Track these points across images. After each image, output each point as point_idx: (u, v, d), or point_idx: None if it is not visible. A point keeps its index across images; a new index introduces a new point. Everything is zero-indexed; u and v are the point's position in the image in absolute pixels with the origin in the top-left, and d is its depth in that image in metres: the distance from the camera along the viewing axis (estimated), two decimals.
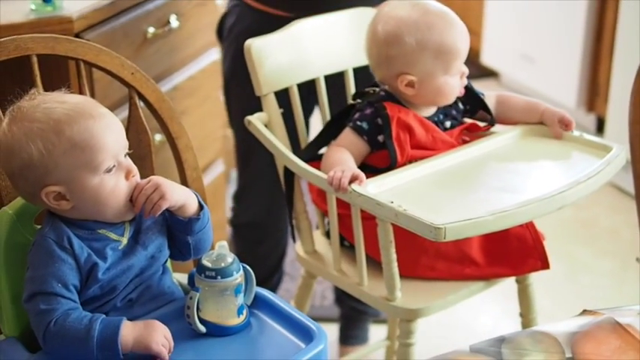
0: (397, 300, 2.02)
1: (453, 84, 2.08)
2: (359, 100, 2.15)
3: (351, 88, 2.29)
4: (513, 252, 2.09)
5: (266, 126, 2.16)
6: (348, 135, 2.09)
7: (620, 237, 3.66)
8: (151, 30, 2.42)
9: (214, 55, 2.84)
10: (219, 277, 1.63)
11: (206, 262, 1.64)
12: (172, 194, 1.64)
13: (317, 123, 2.34)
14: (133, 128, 1.90)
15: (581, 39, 4.23)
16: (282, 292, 3.04)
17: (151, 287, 1.70)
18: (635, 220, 2.15)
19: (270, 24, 2.26)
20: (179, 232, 1.71)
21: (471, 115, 2.21)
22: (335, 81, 2.30)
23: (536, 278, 2.26)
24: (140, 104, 1.92)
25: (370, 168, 2.04)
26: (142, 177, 1.66)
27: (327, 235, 2.24)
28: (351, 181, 1.91)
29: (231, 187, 3.68)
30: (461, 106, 2.19)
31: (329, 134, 2.17)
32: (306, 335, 1.65)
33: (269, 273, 2.82)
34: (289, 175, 2.16)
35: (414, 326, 2.04)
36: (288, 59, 2.19)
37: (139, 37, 2.39)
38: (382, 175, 1.97)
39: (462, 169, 2.02)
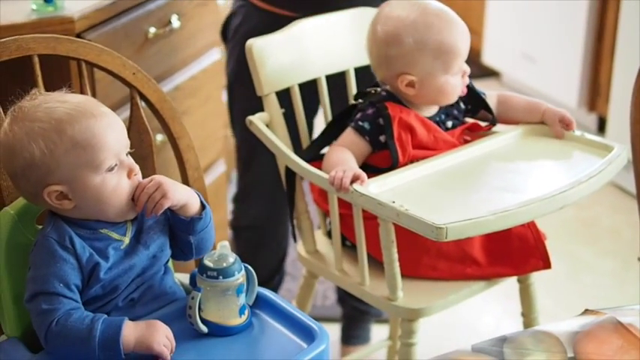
0: (399, 300, 2.03)
1: (454, 83, 2.08)
2: (361, 100, 2.15)
3: (353, 88, 2.29)
4: (515, 252, 2.09)
5: (267, 126, 2.16)
6: (349, 135, 2.09)
7: (622, 236, 3.66)
8: (153, 30, 2.42)
9: (216, 55, 2.84)
10: (220, 277, 1.63)
11: (208, 262, 1.64)
12: (174, 193, 1.64)
13: (321, 123, 2.34)
14: (135, 128, 1.90)
15: (582, 39, 4.23)
16: (283, 292, 3.04)
17: (153, 287, 1.70)
18: (636, 219, 2.15)
19: (277, 24, 2.25)
20: (181, 232, 1.71)
21: (472, 114, 2.21)
22: (337, 81, 2.30)
23: (537, 278, 2.26)
24: (141, 104, 1.92)
25: (372, 168, 2.04)
26: (144, 177, 1.66)
27: (329, 234, 2.24)
28: (352, 181, 1.91)
29: (233, 188, 3.68)
30: (462, 105, 2.19)
31: (330, 134, 2.17)
32: (308, 335, 1.65)
33: (270, 275, 2.82)
34: (291, 175, 2.16)
35: (416, 326, 2.04)
36: (289, 59, 2.19)
37: (141, 37, 2.39)
38: (384, 174, 1.97)
39: (463, 169, 2.02)
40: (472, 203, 1.87)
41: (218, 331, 1.66)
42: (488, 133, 2.19)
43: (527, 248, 2.09)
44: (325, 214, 2.23)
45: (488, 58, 5.03)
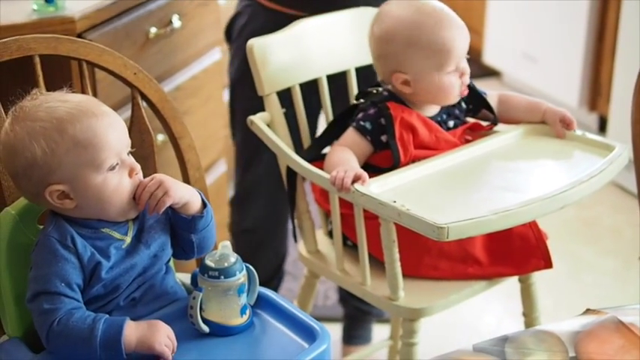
0: (400, 299, 2.02)
1: (449, 83, 2.08)
2: (362, 100, 2.15)
3: (354, 87, 2.29)
4: (516, 251, 2.09)
5: (268, 126, 2.16)
6: (351, 135, 2.09)
7: (623, 236, 3.66)
8: (153, 30, 2.42)
9: (217, 55, 2.84)
10: (222, 277, 1.63)
11: (209, 262, 1.64)
12: (176, 191, 1.64)
13: (323, 123, 2.34)
14: (136, 128, 1.90)
15: (583, 38, 4.23)
16: (284, 291, 3.04)
17: (154, 287, 1.70)
18: (637, 219, 2.15)
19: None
20: (183, 231, 1.71)
21: (473, 114, 2.21)
22: (339, 81, 2.30)
23: (539, 277, 2.26)
24: (143, 104, 1.92)
25: (373, 168, 2.04)
26: (145, 177, 1.66)
27: (330, 234, 2.24)
28: (353, 181, 1.91)
29: (233, 188, 3.69)
30: (464, 105, 2.19)
31: (332, 134, 2.17)
32: (310, 335, 1.65)
33: (269, 278, 2.81)
34: (292, 174, 2.16)
35: (417, 326, 2.04)
36: (290, 59, 2.19)
37: (142, 37, 2.39)
38: (385, 174, 1.97)
39: (464, 169, 2.02)
40: (473, 203, 1.87)
41: (219, 331, 1.66)
42: (489, 132, 2.19)
43: (529, 248, 2.09)
44: (326, 213, 2.22)
45: (489, 58, 5.03)
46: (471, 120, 2.21)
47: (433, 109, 2.14)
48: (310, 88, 2.27)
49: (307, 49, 2.22)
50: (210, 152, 2.85)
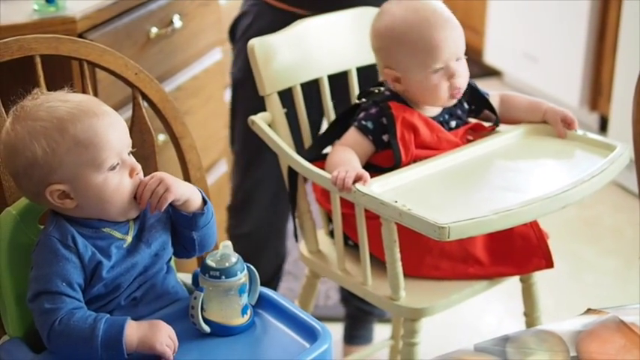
0: (401, 299, 2.02)
1: (435, 83, 2.07)
2: (364, 100, 2.16)
3: (355, 87, 2.29)
4: (517, 251, 2.09)
5: (270, 126, 2.16)
6: (352, 134, 2.10)
7: (624, 236, 3.66)
8: (154, 30, 2.42)
9: (217, 55, 2.84)
10: (223, 277, 1.63)
11: (210, 262, 1.64)
12: (177, 187, 1.64)
13: (326, 123, 2.34)
14: (137, 128, 1.90)
15: (584, 38, 4.23)
16: (285, 291, 3.04)
17: (155, 286, 1.70)
18: (638, 218, 2.15)
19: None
20: (184, 228, 1.71)
21: (475, 115, 2.21)
22: (342, 82, 2.30)
23: (540, 277, 2.26)
24: (144, 104, 1.92)
25: (375, 167, 2.04)
26: (145, 177, 1.66)
27: (331, 234, 2.24)
28: (355, 181, 1.91)
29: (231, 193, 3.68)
30: (466, 106, 2.19)
31: (333, 134, 2.18)
32: (311, 335, 1.65)
33: (269, 279, 2.80)
34: (293, 174, 2.16)
35: (418, 325, 2.04)
36: (291, 59, 2.19)
37: (142, 37, 2.39)
38: (386, 174, 1.97)
39: (465, 169, 2.02)
40: (474, 203, 1.87)
41: (220, 330, 1.66)
42: (490, 132, 2.19)
43: (530, 247, 2.09)
44: (327, 213, 2.22)
45: (490, 58, 5.03)
46: (473, 121, 2.21)
47: (435, 109, 2.14)
48: (317, 89, 2.27)
49: (308, 48, 2.22)
50: (212, 152, 2.85)
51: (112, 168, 1.60)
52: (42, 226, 1.68)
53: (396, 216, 1.84)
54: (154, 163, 1.93)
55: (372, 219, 1.99)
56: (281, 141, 2.12)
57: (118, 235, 1.64)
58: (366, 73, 2.27)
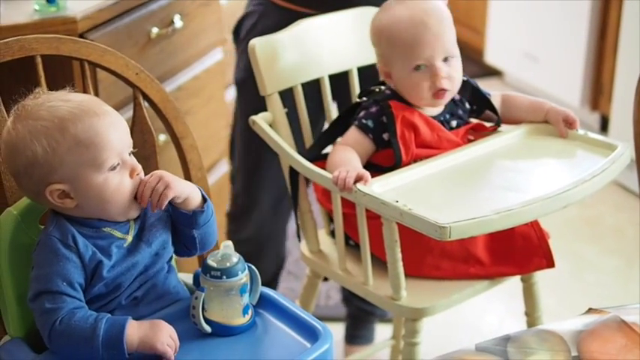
0: (402, 299, 2.02)
1: (415, 81, 2.08)
2: (365, 99, 2.16)
3: (356, 87, 2.29)
4: (518, 251, 2.09)
5: (270, 126, 2.16)
6: (353, 133, 2.10)
7: (625, 235, 3.66)
8: (155, 30, 2.42)
9: (219, 54, 2.84)
10: (224, 277, 1.63)
11: (211, 262, 1.64)
12: (177, 184, 1.64)
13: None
14: (138, 128, 1.90)
15: (584, 38, 4.23)
16: (286, 291, 3.04)
17: (157, 286, 1.70)
18: (639, 218, 2.15)
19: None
20: (184, 227, 1.71)
21: (477, 115, 2.21)
22: (341, 81, 2.30)
23: (541, 277, 2.26)
24: (144, 104, 1.92)
25: (375, 167, 2.04)
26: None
27: (332, 234, 2.24)
28: (356, 181, 1.91)
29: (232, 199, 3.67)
30: (467, 106, 2.19)
31: (334, 133, 2.18)
32: (312, 335, 1.65)
33: (269, 281, 2.80)
34: (294, 174, 2.16)
35: (420, 325, 2.04)
36: (292, 59, 2.19)
37: (143, 37, 2.39)
38: (387, 174, 1.97)
39: (466, 168, 2.02)
40: (475, 202, 1.87)
41: (221, 330, 1.66)
42: (491, 132, 2.19)
43: (531, 247, 2.09)
44: (329, 213, 2.22)
45: (491, 58, 5.03)
46: (474, 121, 2.21)
47: (436, 109, 2.14)
48: (317, 88, 2.27)
49: (309, 48, 2.22)
50: (212, 152, 2.85)
51: (113, 168, 1.60)
52: (43, 226, 1.68)
53: (397, 216, 1.84)
54: (154, 163, 1.93)
55: (373, 219, 1.99)
56: (282, 141, 2.12)
57: (118, 234, 1.64)
58: (368, 73, 2.27)
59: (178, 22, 2.51)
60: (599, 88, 4.26)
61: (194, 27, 2.64)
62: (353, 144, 2.08)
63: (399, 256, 1.96)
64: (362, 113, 2.11)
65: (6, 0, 2.16)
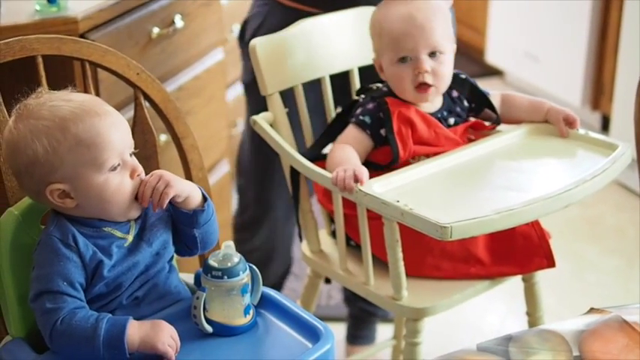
0: (403, 299, 2.02)
1: (397, 73, 2.09)
2: (362, 96, 2.16)
3: (357, 86, 2.29)
4: (519, 250, 2.09)
5: (271, 126, 2.16)
6: (351, 130, 2.10)
7: (626, 235, 3.66)
8: (156, 30, 2.42)
9: (219, 54, 2.84)
10: (225, 277, 1.63)
11: (212, 262, 1.64)
12: (177, 183, 1.64)
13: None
14: (139, 128, 1.90)
15: (585, 37, 4.23)
16: (288, 291, 3.04)
17: (158, 286, 1.70)
18: None
19: None
20: (185, 226, 1.71)
21: (476, 113, 2.21)
22: (342, 81, 2.30)
23: (542, 277, 2.26)
24: (145, 104, 1.92)
25: (374, 165, 2.04)
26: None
27: (333, 234, 2.24)
28: (355, 180, 1.91)
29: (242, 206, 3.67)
30: (466, 103, 2.19)
31: (334, 131, 2.17)
32: (313, 335, 1.64)
33: (274, 286, 2.79)
34: (295, 174, 2.16)
35: (421, 325, 2.04)
36: (293, 58, 2.19)
37: (144, 37, 2.39)
38: (388, 174, 1.96)
39: (467, 168, 2.02)
40: (476, 202, 1.87)
41: (223, 331, 1.66)
42: (492, 132, 2.19)
43: (532, 247, 2.09)
44: (330, 214, 2.22)
45: (492, 57, 5.03)
46: (473, 119, 2.21)
47: (433, 106, 2.14)
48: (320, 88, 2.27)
49: (310, 48, 2.22)
50: (213, 152, 2.85)
51: (113, 168, 1.60)
52: (43, 226, 1.68)
53: (398, 216, 1.84)
54: (155, 163, 1.93)
55: (374, 219, 1.98)
56: (282, 141, 2.12)
57: (119, 234, 1.64)
58: (369, 73, 2.26)
59: (179, 22, 2.51)
60: (600, 88, 4.26)
61: (195, 27, 2.63)
62: (351, 141, 2.08)
63: (400, 255, 1.96)
64: (359, 110, 2.12)
65: (7, 0, 2.16)
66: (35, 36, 1.80)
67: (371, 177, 1.94)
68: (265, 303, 1.74)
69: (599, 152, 2.05)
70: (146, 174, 1.66)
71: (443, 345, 2.43)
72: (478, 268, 2.09)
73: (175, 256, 1.76)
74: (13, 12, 2.11)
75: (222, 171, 2.94)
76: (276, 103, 2.17)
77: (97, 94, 2.08)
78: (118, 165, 1.60)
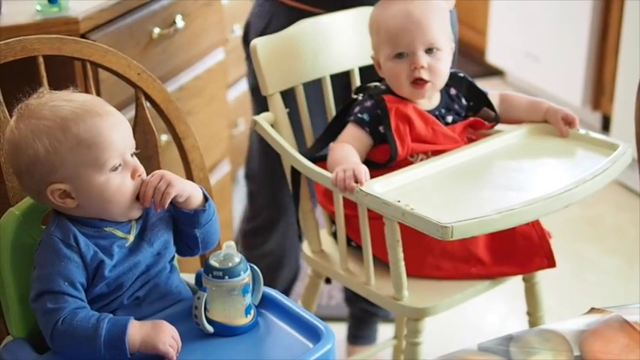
0: (404, 299, 2.02)
1: (393, 69, 2.10)
2: (361, 95, 2.16)
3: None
4: (520, 250, 2.09)
5: (272, 126, 2.16)
6: (350, 129, 2.10)
7: (627, 235, 3.66)
8: (157, 30, 2.42)
9: (220, 55, 2.84)
10: (226, 277, 1.63)
11: (213, 262, 1.64)
12: (178, 182, 1.64)
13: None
14: (140, 129, 1.90)
15: (586, 37, 4.23)
16: (293, 295, 3.04)
17: (159, 286, 1.70)
18: None
19: None
20: (186, 226, 1.71)
21: (474, 112, 2.21)
22: (343, 81, 2.30)
23: (542, 276, 2.26)
24: (146, 104, 1.92)
25: (374, 164, 2.04)
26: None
27: (334, 235, 2.24)
28: (355, 180, 1.91)
29: (237, 187, 3.68)
30: (464, 102, 2.19)
31: (334, 130, 2.17)
32: (314, 335, 1.64)
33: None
34: (296, 174, 2.16)
35: (422, 325, 2.04)
36: (294, 59, 2.19)
37: (145, 37, 2.39)
38: (388, 174, 1.96)
39: (468, 168, 2.02)
40: (477, 202, 1.87)
41: (224, 331, 1.66)
42: (492, 132, 2.19)
43: (532, 247, 2.09)
44: (330, 215, 2.22)
45: (493, 57, 5.03)
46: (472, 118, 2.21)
47: (431, 103, 2.14)
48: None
49: (311, 48, 2.22)
50: (214, 152, 2.85)
51: (114, 169, 1.60)
52: (44, 227, 1.68)
53: (399, 216, 1.84)
54: (156, 163, 1.93)
55: (375, 219, 1.98)
56: (283, 140, 2.12)
57: (120, 234, 1.64)
58: (370, 73, 2.26)
59: (180, 23, 2.51)
60: (600, 88, 4.26)
61: (196, 27, 2.64)
62: (351, 139, 2.08)
63: (401, 255, 1.96)
64: (357, 108, 2.12)
65: (8, 0, 2.16)
66: (36, 36, 1.81)
67: (370, 176, 1.94)
68: (266, 303, 1.74)
69: (600, 152, 2.05)
70: (147, 174, 1.66)
71: (444, 345, 2.43)
72: (479, 268, 2.09)
73: (176, 256, 1.77)
74: (14, 12, 2.11)
75: (223, 171, 2.94)
76: (276, 103, 2.17)
77: (98, 94, 2.08)
78: (119, 165, 1.60)
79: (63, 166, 1.57)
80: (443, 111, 2.15)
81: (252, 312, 1.69)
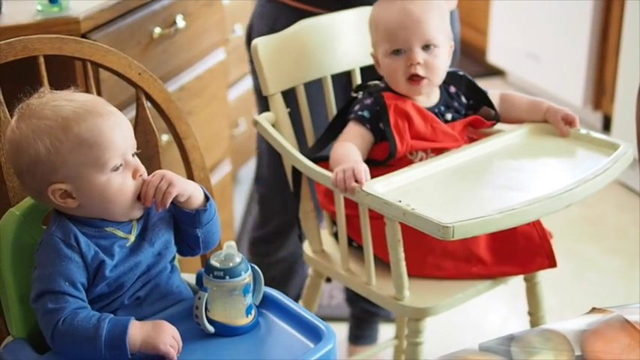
0: (405, 299, 2.02)
1: (389, 65, 2.10)
2: (361, 93, 2.16)
3: None
4: (520, 250, 2.09)
5: (273, 126, 2.16)
6: (351, 127, 2.10)
7: (628, 235, 3.66)
8: (158, 30, 2.42)
9: (221, 55, 2.84)
10: (227, 277, 1.63)
11: (214, 262, 1.64)
12: (179, 182, 1.64)
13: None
14: (141, 129, 1.90)
15: (587, 37, 4.23)
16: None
17: (160, 286, 1.70)
18: None
19: None
20: (187, 226, 1.71)
21: (474, 110, 2.21)
22: (343, 81, 2.30)
23: (543, 276, 2.26)
24: (147, 104, 1.92)
25: (374, 162, 2.04)
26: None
27: (335, 236, 2.24)
28: (355, 180, 1.90)
29: (238, 187, 3.68)
30: (464, 100, 2.19)
31: (335, 129, 2.17)
32: (315, 335, 1.64)
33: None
34: (297, 174, 2.16)
35: (423, 325, 2.04)
36: (295, 59, 2.19)
37: (146, 37, 2.39)
38: (389, 174, 1.96)
39: (469, 168, 2.02)
40: (478, 202, 1.87)
41: (225, 331, 1.66)
42: (492, 131, 2.19)
43: (533, 247, 2.09)
44: (331, 216, 2.22)
45: (494, 57, 5.03)
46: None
47: (430, 100, 2.14)
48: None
49: (312, 48, 2.22)
50: (215, 152, 2.85)
51: (116, 169, 1.60)
52: (45, 227, 1.68)
53: (400, 215, 1.84)
54: (157, 163, 1.93)
55: (376, 219, 1.98)
56: (284, 140, 2.12)
57: (121, 234, 1.64)
58: (371, 72, 2.26)
59: (181, 22, 2.51)
60: (601, 88, 4.26)
61: (196, 27, 2.64)
62: (352, 137, 2.08)
63: (402, 255, 1.96)
64: (357, 106, 2.12)
65: (9, 0, 2.16)
66: (37, 36, 1.81)
67: (371, 173, 1.94)
68: (267, 303, 1.74)
69: (601, 152, 2.05)
70: (148, 174, 1.66)
71: (445, 345, 2.44)
72: (480, 268, 2.09)
73: (177, 256, 1.77)
74: (15, 12, 2.11)
75: (224, 171, 2.94)
76: (278, 103, 2.17)
77: (99, 94, 2.08)
78: (120, 165, 1.60)
79: (64, 166, 1.57)
80: (442, 108, 2.15)
81: (253, 312, 1.69)
